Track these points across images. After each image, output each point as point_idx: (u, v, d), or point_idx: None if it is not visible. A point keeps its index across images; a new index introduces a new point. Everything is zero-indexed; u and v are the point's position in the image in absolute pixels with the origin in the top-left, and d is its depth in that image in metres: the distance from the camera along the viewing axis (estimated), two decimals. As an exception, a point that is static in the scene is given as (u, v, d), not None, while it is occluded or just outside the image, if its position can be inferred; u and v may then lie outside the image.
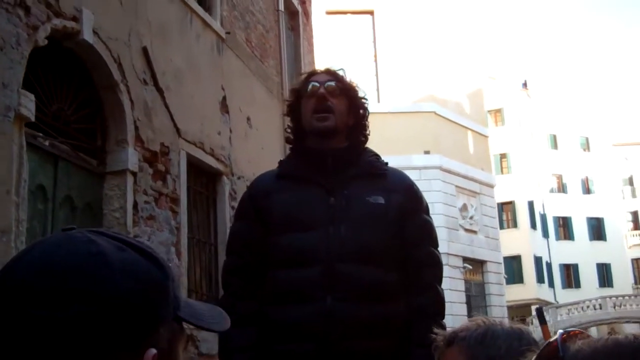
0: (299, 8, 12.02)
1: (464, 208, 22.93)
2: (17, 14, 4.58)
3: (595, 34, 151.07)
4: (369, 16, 23.07)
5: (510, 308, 26.78)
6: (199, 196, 7.59)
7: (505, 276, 25.42)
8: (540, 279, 38.70)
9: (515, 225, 38.41)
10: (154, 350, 0.71)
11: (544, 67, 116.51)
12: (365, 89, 2.38)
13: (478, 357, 1.31)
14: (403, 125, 20.77)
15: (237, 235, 2.26)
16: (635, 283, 46.18)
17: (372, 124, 2.39)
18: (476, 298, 22.72)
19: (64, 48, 5.36)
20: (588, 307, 33.06)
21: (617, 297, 34.16)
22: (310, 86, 2.22)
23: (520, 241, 37.04)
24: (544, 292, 38.59)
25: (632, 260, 47.57)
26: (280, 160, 2.35)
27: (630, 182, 50.45)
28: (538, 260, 38.94)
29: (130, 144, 5.90)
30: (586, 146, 46.91)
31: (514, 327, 1.40)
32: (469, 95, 24.73)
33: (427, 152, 22.14)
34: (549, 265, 41.09)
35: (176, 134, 6.79)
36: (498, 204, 26.24)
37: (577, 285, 43.00)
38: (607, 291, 38.87)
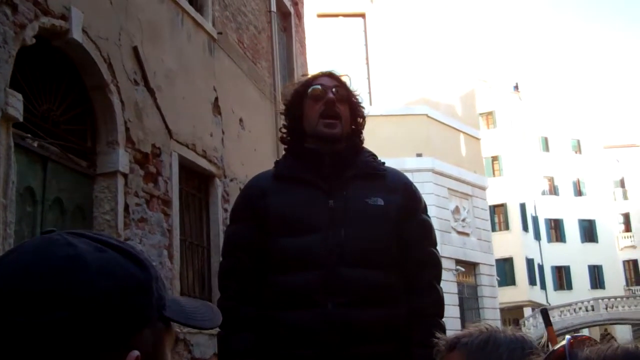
0: (291, 9, 11.95)
1: (457, 210, 22.93)
2: (4, 11, 4.48)
3: (586, 38, 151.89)
4: (360, 19, 23.05)
5: (502, 310, 26.80)
6: (191, 198, 7.49)
7: (498, 278, 25.42)
8: (532, 281, 38.78)
9: (507, 227, 38.49)
10: (136, 353, 0.70)
11: (535, 70, 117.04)
12: (358, 92, 2.36)
13: None
14: (395, 127, 20.74)
15: (233, 238, 2.22)
16: (627, 285, 46.34)
17: (365, 126, 2.36)
18: (469, 300, 22.71)
19: (53, 47, 5.26)
20: (580, 308, 33.13)
21: (609, 298, 34.26)
22: (314, 88, 2.19)
23: (512, 243, 37.11)
24: (536, 294, 38.67)
25: (624, 262, 47.76)
26: (277, 161, 2.31)
27: (622, 184, 50.65)
28: (530, 263, 39.03)
29: (120, 145, 5.80)
30: (577, 148, 47.09)
31: (517, 334, 1.40)
32: (461, 97, 24.75)
33: (419, 155, 22.13)
34: (540, 267, 41.19)
35: (167, 135, 6.70)
36: (490, 206, 26.27)
37: (569, 287, 43.11)
38: (598, 293, 38.98)
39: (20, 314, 0.68)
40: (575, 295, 39.04)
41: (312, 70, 14.00)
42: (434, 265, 2.21)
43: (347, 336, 1.99)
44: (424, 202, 2.29)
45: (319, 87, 2.19)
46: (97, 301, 0.69)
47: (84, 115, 5.72)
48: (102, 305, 0.69)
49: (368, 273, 2.05)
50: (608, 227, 45.76)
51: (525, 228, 39.48)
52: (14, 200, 4.52)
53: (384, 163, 2.26)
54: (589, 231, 45.02)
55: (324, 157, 2.15)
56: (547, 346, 1.29)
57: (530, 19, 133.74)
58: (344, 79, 2.26)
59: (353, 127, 2.23)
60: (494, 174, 37.89)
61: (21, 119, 4.61)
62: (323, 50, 20.47)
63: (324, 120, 2.15)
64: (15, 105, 4.52)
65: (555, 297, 40.05)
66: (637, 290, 43.97)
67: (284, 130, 2.29)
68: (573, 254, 43.36)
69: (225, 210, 7.93)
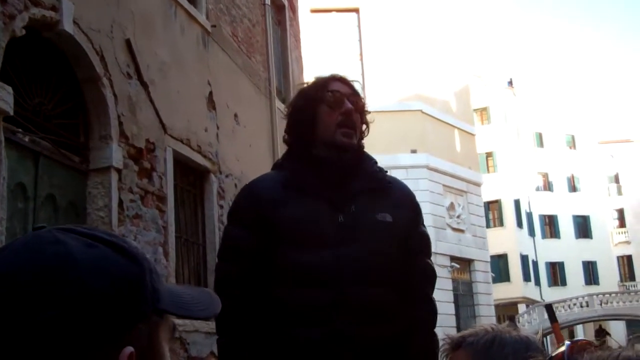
0: (285, 2, 11.82)
1: (452, 207, 22.90)
2: (-7, 1, 4.35)
3: (581, 33, 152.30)
4: (354, 14, 22.95)
5: (497, 306, 26.84)
6: (187, 194, 7.37)
7: (493, 275, 25.43)
8: (526, 277, 38.87)
9: (501, 223, 38.55)
10: (130, 349, 0.69)
11: (529, 66, 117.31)
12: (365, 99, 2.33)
13: None
14: (390, 124, 20.63)
15: (235, 242, 2.13)
16: (621, 280, 46.48)
17: (368, 132, 2.34)
18: (464, 297, 22.69)
19: (43, 39, 5.12)
20: (575, 304, 33.16)
21: (603, 294, 34.30)
22: (333, 95, 2.13)
23: (507, 240, 37.17)
24: (530, 291, 38.75)
25: (618, 257, 47.89)
26: (279, 164, 2.24)
27: (616, 179, 50.76)
28: (524, 259, 39.10)
29: (114, 140, 5.67)
30: (572, 144, 47.14)
31: (522, 335, 1.41)
32: (456, 93, 24.71)
33: (414, 151, 22.07)
34: (535, 264, 41.26)
35: (162, 130, 6.57)
36: (484, 202, 26.24)
37: (563, 283, 43.20)
38: (593, 289, 39.05)
39: (10, 315, 0.67)
40: (569, 291, 39.12)
41: (307, 65, 13.92)
42: (432, 277, 2.23)
43: (357, 353, 1.99)
44: (422, 214, 2.33)
45: (335, 93, 2.13)
46: (88, 299, 0.68)
47: (76, 109, 5.59)
48: (92, 302, 0.68)
49: (376, 291, 2.05)
50: (602, 223, 45.86)
51: (519, 224, 39.53)
52: (5, 197, 4.41)
53: (386, 171, 2.25)
54: (583, 227, 45.11)
55: (335, 167, 2.11)
56: (543, 343, 1.25)
57: (525, 15, 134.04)
58: (355, 84, 2.23)
59: (361, 135, 2.22)
60: (488, 170, 37.91)
61: (11, 113, 4.49)
62: (317, 46, 20.37)
63: (342, 129, 2.11)
64: (6, 99, 4.39)
65: (550, 293, 40.11)
66: (631, 286, 44.13)
67: (288, 132, 2.23)
68: (567, 250, 43.45)
69: (221, 206, 7.81)
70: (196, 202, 7.58)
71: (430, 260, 2.25)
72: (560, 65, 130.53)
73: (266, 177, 2.23)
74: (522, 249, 39.06)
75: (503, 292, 33.72)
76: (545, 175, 45.95)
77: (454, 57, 24.32)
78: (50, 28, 5.03)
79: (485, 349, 1.36)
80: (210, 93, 7.87)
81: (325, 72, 2.31)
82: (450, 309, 20.99)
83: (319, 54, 20.53)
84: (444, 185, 22.71)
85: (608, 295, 34.28)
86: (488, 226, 27.64)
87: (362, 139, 2.21)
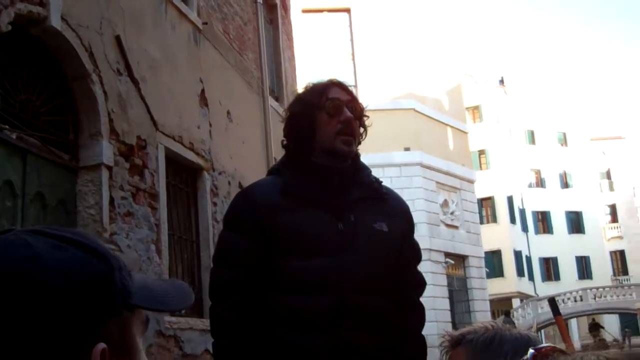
0: (277, 1, 11.75)
1: (445, 204, 22.90)
2: (-22, -4, 4.27)
3: (571, 31, 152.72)
4: (345, 14, 22.92)
5: (491, 301, 26.88)
6: (179, 192, 7.29)
7: (487, 270, 25.45)
8: (520, 273, 38.99)
9: (494, 220, 38.63)
10: (102, 345, 0.70)
11: (520, 64, 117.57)
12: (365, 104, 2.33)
13: None
14: (383, 122, 20.53)
15: (232, 247, 2.12)
16: (614, 275, 46.67)
17: (365, 137, 2.34)
18: (458, 292, 22.71)
19: (31, 35, 5.03)
20: (569, 299, 33.23)
21: (597, 288, 34.42)
22: (332, 103, 2.13)
23: (500, 236, 37.26)
24: (524, 286, 38.87)
25: (611, 252, 48.09)
26: (277, 169, 2.22)
27: (608, 175, 50.96)
28: (518, 254, 39.22)
29: (104, 137, 5.58)
30: (564, 141, 47.32)
31: (522, 333, 1.42)
32: (448, 92, 24.73)
33: (407, 149, 22.06)
34: (528, 259, 41.40)
35: (153, 127, 6.49)
36: (477, 199, 26.26)
37: (557, 277, 43.37)
38: (586, 283, 39.21)
39: None
40: (562, 286, 39.26)
41: (300, 65, 13.85)
42: (421, 285, 2.29)
43: (354, 359, 2.02)
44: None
45: (336, 101, 2.13)
46: (55, 300, 0.69)
47: (65, 107, 5.51)
48: (60, 303, 0.69)
49: (375, 299, 2.08)
50: (595, 219, 46.07)
51: (512, 220, 39.64)
52: (-7, 195, 4.32)
53: (381, 182, 2.27)
54: (575, 223, 45.29)
55: (334, 175, 2.12)
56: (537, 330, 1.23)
57: (515, 14, 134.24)
58: (351, 89, 2.24)
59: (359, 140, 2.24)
60: (481, 167, 37.96)
61: (-2, 109, 4.41)
62: (309, 46, 20.32)
63: (342, 137, 2.11)
64: (-8, 95, 4.31)
65: (544, 288, 40.26)
66: (624, 280, 44.28)
67: (286, 138, 2.22)
68: (560, 245, 43.63)
69: (215, 204, 7.74)
70: (189, 200, 7.50)
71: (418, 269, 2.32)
72: (551, 63, 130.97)
73: (263, 183, 2.22)
74: (515, 244, 39.16)
75: (497, 287, 33.80)
76: (538, 172, 46.08)
77: (445, 56, 24.34)
78: (37, 24, 4.94)
79: (484, 347, 1.36)
80: (203, 90, 7.80)
81: (319, 74, 2.33)
82: (445, 304, 21.00)
83: (311, 54, 20.50)
84: (437, 183, 22.71)
85: (601, 289, 34.39)
86: (481, 222, 27.70)
87: (360, 144, 2.21)
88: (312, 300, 2.01)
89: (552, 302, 2.36)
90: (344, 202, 2.11)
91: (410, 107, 22.49)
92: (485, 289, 24.07)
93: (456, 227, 23.00)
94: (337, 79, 2.23)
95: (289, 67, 12.24)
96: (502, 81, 46.93)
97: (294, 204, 2.09)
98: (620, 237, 48.96)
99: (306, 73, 14.05)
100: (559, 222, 44.96)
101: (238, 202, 2.20)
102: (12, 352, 0.67)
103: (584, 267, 44.34)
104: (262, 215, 2.07)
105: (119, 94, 5.94)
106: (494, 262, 35.31)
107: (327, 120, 2.12)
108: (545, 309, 32.53)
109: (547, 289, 39.50)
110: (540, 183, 46.03)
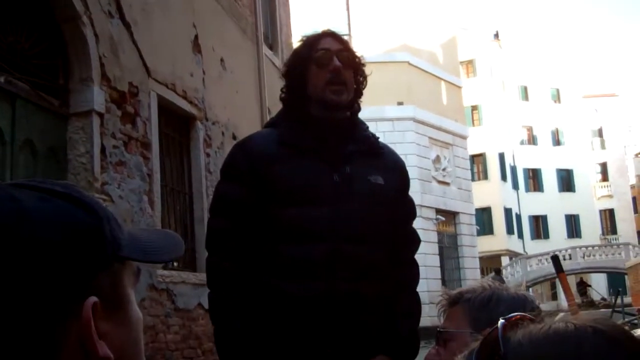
0: (272, -55, 11.38)
1: (437, 160, 22.84)
2: None
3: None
4: (340, -37, 22.46)
5: (481, 259, 27.08)
6: (172, 142, 7.12)
7: (477, 227, 25.56)
8: (509, 230, 39.24)
9: (485, 177, 38.69)
10: (93, 299, 0.69)
11: (515, 18, 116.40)
12: (360, 53, 2.29)
13: (480, 319, 1.34)
14: (376, 75, 19.71)
15: (229, 197, 2.14)
16: (603, 234, 47.05)
17: (365, 86, 2.30)
18: (449, 249, 22.84)
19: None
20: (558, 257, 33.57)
21: (586, 247, 34.72)
22: (320, 54, 2.14)
23: (491, 193, 37.37)
24: (513, 243, 39.17)
25: (600, 211, 48.40)
26: (274, 122, 2.26)
27: (600, 133, 50.96)
28: (508, 212, 39.41)
29: (95, 82, 5.38)
30: (557, 98, 47.12)
31: (519, 293, 1.43)
32: (442, 45, 24.44)
33: (400, 103, 21.89)
34: (518, 217, 41.62)
35: (145, 74, 6.28)
36: (469, 156, 26.23)
37: (546, 236, 43.68)
38: (575, 242, 39.53)
39: None
40: (552, 244, 39.58)
41: (295, 15, 13.54)
42: (416, 242, 2.32)
43: (350, 308, 2.04)
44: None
45: (325, 52, 2.14)
46: (43, 254, 0.67)
47: (54, 50, 5.29)
48: (49, 256, 0.67)
49: (368, 249, 2.10)
50: (585, 177, 46.24)
51: (503, 178, 39.71)
52: (-20, 140, 4.15)
53: (378, 138, 2.28)
54: (566, 181, 45.45)
55: (331, 127, 2.14)
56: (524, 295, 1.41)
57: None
58: (345, 38, 2.23)
59: (356, 91, 2.22)
60: (473, 123, 37.81)
61: (-16, 50, 4.20)
62: (302, -4, 19.92)
63: (331, 87, 2.12)
64: (-23, 35, 4.10)
65: (533, 246, 40.58)
66: (613, 239, 44.69)
67: (284, 90, 2.24)
68: (550, 203, 43.83)
69: (208, 155, 7.57)
70: (182, 150, 7.33)
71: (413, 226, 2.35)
72: (546, 18, 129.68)
73: (260, 134, 2.26)
74: (506, 202, 39.31)
75: (487, 244, 34.03)
76: (530, 129, 46.00)
77: (440, 8, 23.98)
78: (25, -39, 4.70)
79: (482, 306, 1.38)
80: (196, 36, 7.56)
81: (313, 24, 2.21)
82: (436, 261, 21.12)
83: (306, 5, 20.11)
84: (430, 138, 22.61)
85: (590, 248, 34.72)
86: (472, 179, 27.71)
87: (360, 94, 2.22)
88: (307, 249, 2.04)
89: (555, 259, 2.33)
90: (340, 155, 2.13)
91: (404, 59, 22.24)
92: (475, 247, 24.22)
93: (447, 184, 22.99)
94: (330, 29, 2.24)
95: (284, 14, 11.94)
96: (496, 35, 46.50)
97: (290, 154, 2.11)
98: (610, 196, 49.22)
99: (300, 23, 13.76)
100: (550, 180, 45.09)
101: (235, 152, 2.21)
102: (1, 307, 0.66)
103: (573, 225, 44.65)
104: (259, 165, 2.10)
105: (110, 38, 5.72)
106: (484, 220, 35.49)
107: (316, 72, 2.14)
108: (535, 267, 32.88)
109: (536, 247, 39.83)
110: (532, 140, 45.99)
